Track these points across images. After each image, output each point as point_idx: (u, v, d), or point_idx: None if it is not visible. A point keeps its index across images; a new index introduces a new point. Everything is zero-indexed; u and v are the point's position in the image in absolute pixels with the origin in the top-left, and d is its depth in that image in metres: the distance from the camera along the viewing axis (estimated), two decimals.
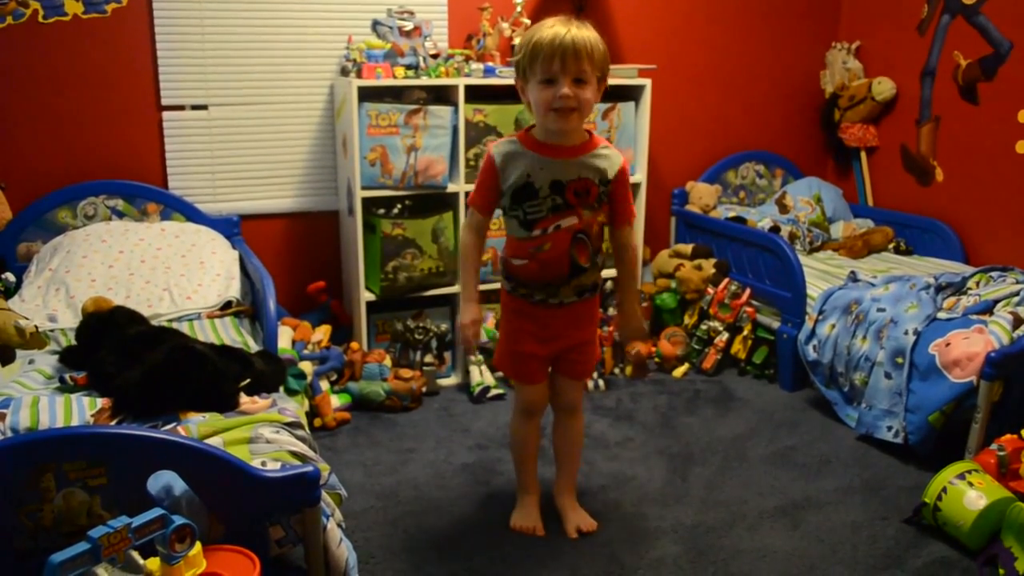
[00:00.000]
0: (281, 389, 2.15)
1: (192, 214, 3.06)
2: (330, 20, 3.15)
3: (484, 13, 3.15)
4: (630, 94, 3.25)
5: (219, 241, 2.94)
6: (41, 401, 1.82)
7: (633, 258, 2.09)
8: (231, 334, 2.45)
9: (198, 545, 1.37)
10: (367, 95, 2.87)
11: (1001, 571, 1.93)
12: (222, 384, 1.88)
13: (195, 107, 3.07)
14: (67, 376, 2.03)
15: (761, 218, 3.58)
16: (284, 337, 2.75)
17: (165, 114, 3.03)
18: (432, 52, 2.99)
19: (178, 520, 1.34)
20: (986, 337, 2.39)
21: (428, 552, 2.06)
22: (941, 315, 2.59)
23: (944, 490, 2.09)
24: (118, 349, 2.00)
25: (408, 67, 2.93)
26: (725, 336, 3.23)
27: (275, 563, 1.60)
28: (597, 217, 1.96)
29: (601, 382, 3.12)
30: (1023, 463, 2.13)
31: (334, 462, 2.41)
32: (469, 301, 2.00)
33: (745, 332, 3.22)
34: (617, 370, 3.24)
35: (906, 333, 2.54)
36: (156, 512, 1.33)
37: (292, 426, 1.83)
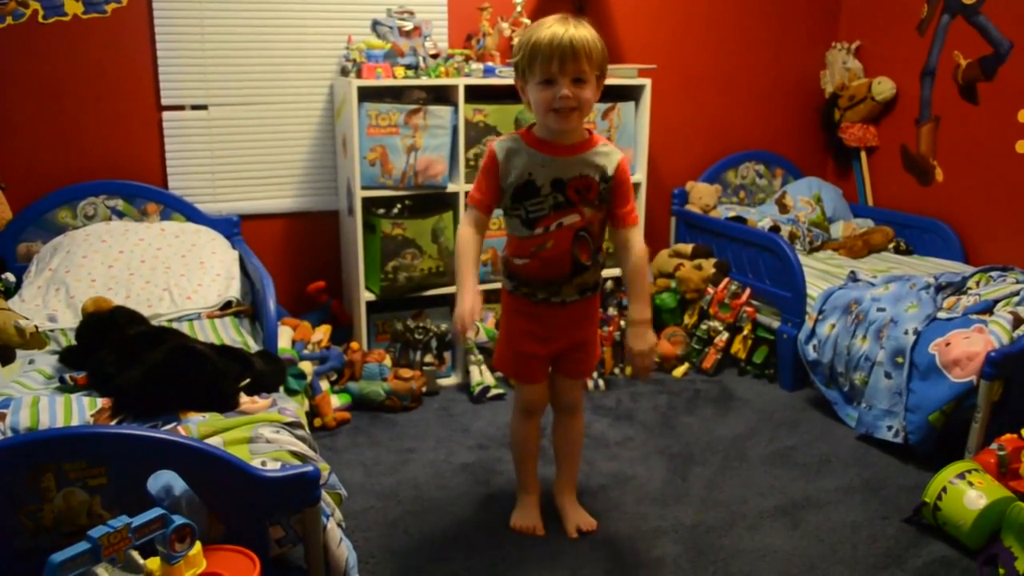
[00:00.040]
0: (281, 389, 2.15)
1: (192, 214, 3.06)
2: (330, 20, 3.15)
3: (484, 13, 3.15)
4: (630, 94, 3.25)
5: (219, 241, 2.94)
6: (41, 401, 1.82)
7: (638, 264, 1.95)
8: (231, 334, 2.46)
9: (198, 545, 1.37)
10: (367, 95, 2.87)
11: (1001, 571, 1.93)
12: (222, 384, 1.88)
13: (195, 107, 3.07)
14: (67, 376, 2.03)
15: (761, 218, 3.58)
16: (284, 337, 2.75)
17: (165, 114, 3.03)
18: (432, 52, 2.99)
19: (178, 520, 1.34)
20: (986, 337, 2.39)
21: (428, 552, 2.06)
22: (941, 315, 2.59)
23: (944, 490, 2.09)
24: (118, 349, 2.00)
25: (408, 67, 2.93)
26: (725, 336, 3.23)
27: (275, 563, 1.60)
28: (598, 215, 1.96)
29: (601, 382, 3.12)
30: (1023, 463, 2.13)
31: (334, 462, 2.41)
32: (469, 290, 1.87)
33: (745, 332, 3.22)
34: (617, 370, 3.24)
35: (906, 333, 2.54)
36: (156, 512, 1.33)
37: (292, 426, 1.83)
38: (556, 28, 1.78)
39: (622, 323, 3.17)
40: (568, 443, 2.20)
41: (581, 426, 2.21)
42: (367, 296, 3.01)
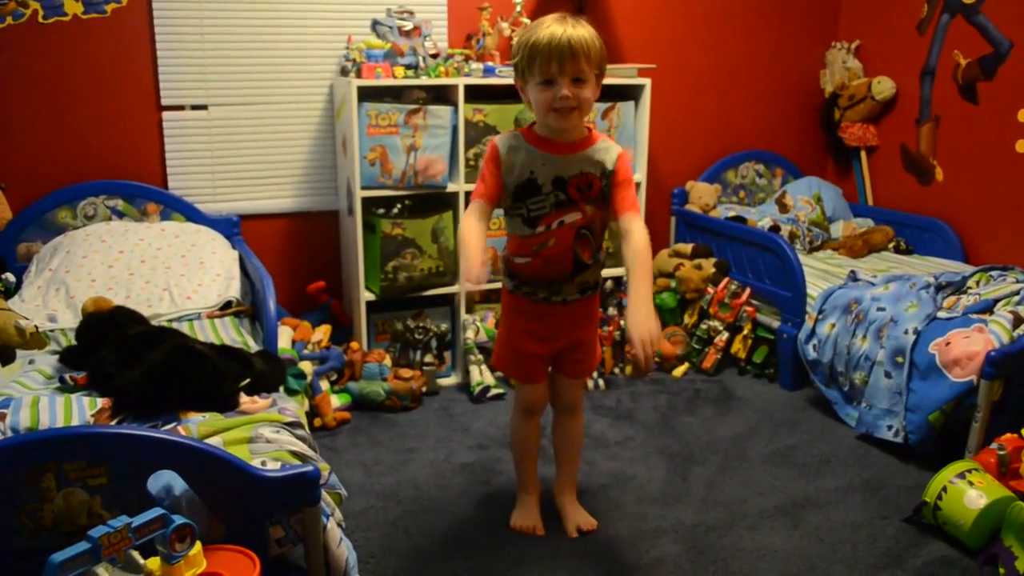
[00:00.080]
0: (281, 389, 2.15)
1: (192, 214, 3.06)
2: (330, 20, 3.15)
3: (484, 13, 3.15)
4: (630, 94, 3.25)
5: (219, 241, 2.94)
6: (41, 401, 1.82)
7: (640, 246, 1.83)
8: (231, 334, 2.46)
9: (198, 545, 1.37)
10: (367, 95, 2.87)
11: (1001, 570, 1.93)
12: (222, 384, 1.88)
13: (195, 107, 3.07)
14: (67, 376, 2.03)
15: (761, 217, 3.58)
16: (284, 337, 2.75)
17: (165, 114, 3.03)
18: (432, 52, 2.99)
19: (178, 520, 1.34)
20: (986, 336, 2.39)
21: (428, 552, 2.06)
22: (941, 314, 2.59)
23: (944, 489, 2.09)
24: (118, 349, 2.00)
25: (408, 67, 2.93)
26: (725, 335, 3.23)
27: (275, 563, 1.60)
28: (599, 212, 1.95)
29: (601, 382, 3.12)
30: (1023, 462, 2.13)
31: (334, 462, 2.41)
32: (475, 249, 1.77)
33: (745, 331, 3.22)
34: (617, 370, 3.24)
35: (906, 332, 2.54)
36: (156, 512, 1.33)
37: (292, 426, 1.83)
38: (555, 28, 1.78)
39: (622, 323, 3.16)
40: (568, 443, 2.20)
41: (581, 426, 2.21)
42: (367, 296, 3.01)
